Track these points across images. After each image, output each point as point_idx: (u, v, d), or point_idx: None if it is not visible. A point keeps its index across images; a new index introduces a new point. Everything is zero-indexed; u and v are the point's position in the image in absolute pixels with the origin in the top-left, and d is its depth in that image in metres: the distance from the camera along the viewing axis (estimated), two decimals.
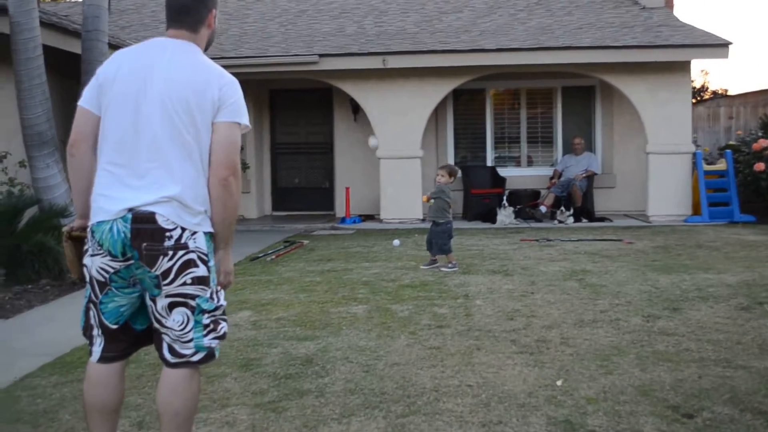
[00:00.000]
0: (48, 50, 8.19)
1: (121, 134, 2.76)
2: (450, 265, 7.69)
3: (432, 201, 7.94)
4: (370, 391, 4.04)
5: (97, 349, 2.90)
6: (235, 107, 2.83)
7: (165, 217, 2.70)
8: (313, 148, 14.64)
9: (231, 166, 2.79)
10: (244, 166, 13.82)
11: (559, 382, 4.12)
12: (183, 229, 2.73)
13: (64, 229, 3.07)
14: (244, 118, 2.85)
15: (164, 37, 2.95)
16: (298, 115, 14.60)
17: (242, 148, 13.66)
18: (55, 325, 5.78)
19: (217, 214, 2.82)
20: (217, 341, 2.88)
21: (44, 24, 8.26)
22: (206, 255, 2.80)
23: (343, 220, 12.98)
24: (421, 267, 7.86)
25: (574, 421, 3.57)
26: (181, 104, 2.75)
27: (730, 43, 11.92)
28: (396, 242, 9.90)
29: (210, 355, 2.89)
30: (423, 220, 12.54)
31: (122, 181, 2.74)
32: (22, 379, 4.44)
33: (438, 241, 7.84)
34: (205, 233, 2.79)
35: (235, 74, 11.22)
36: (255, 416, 3.72)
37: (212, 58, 10.55)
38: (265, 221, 13.52)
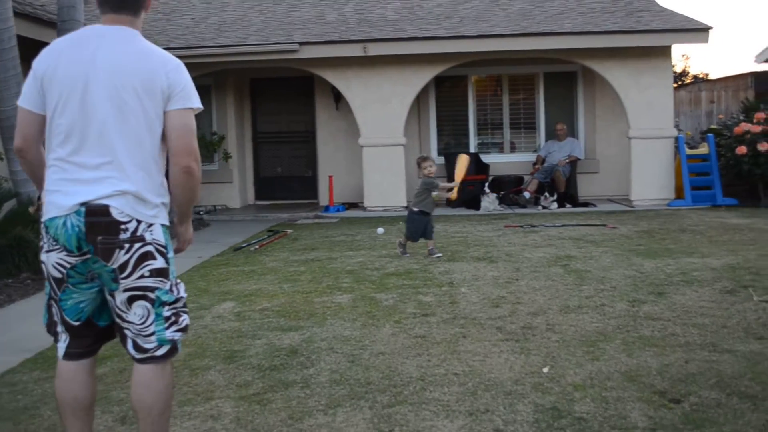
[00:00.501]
0: (23, 41, 8.06)
1: (68, 129, 2.68)
2: (401, 250, 7.88)
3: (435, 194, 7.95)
4: (355, 382, 4.00)
5: (62, 345, 2.85)
6: (185, 92, 2.78)
7: (119, 209, 2.65)
8: (295, 136, 14.56)
9: (191, 153, 2.75)
10: (226, 156, 13.73)
11: (545, 369, 4.10)
12: (138, 222, 2.69)
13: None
14: (196, 101, 2.83)
15: (101, 24, 2.82)
16: (279, 104, 14.51)
17: (223, 137, 13.69)
18: (36, 320, 5.61)
19: (181, 198, 2.81)
20: (179, 334, 2.83)
21: (18, 14, 8.14)
22: (164, 247, 2.77)
23: (326, 208, 12.93)
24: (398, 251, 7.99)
25: (561, 408, 3.55)
26: (130, 95, 2.68)
27: (711, 28, 11.93)
28: (380, 230, 9.86)
29: (173, 348, 2.84)
30: (406, 207, 12.49)
31: (73, 176, 2.67)
32: (3, 375, 4.38)
33: (412, 227, 7.90)
34: (162, 225, 2.77)
35: (215, 63, 11.16)
36: (239, 409, 3.68)
37: (192, 47, 10.46)
38: (247, 211, 13.44)
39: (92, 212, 2.64)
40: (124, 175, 2.66)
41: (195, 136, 2.80)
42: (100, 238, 2.64)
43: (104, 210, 2.64)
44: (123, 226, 2.66)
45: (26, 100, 2.76)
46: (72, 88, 2.67)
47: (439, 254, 7.72)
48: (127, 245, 2.66)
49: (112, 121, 2.67)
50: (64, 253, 2.68)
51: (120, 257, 2.66)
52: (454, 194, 8.36)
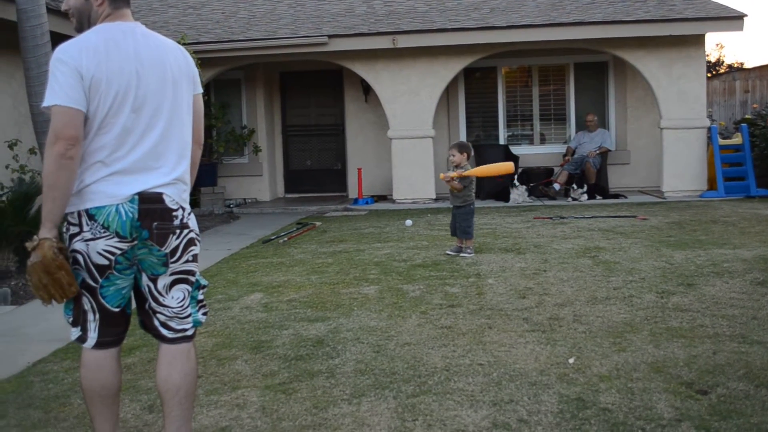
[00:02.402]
0: (56, 37, 8.17)
1: (124, 128, 2.72)
2: (468, 251, 7.38)
3: (457, 182, 7.38)
4: (380, 372, 4.02)
5: (93, 335, 2.88)
6: (198, 77, 3.04)
7: (171, 197, 2.79)
8: (325, 129, 14.59)
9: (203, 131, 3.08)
10: (256, 149, 13.81)
11: (571, 360, 4.09)
12: (183, 209, 2.85)
13: (48, 243, 2.65)
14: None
15: (124, 21, 2.84)
16: (308, 97, 14.55)
17: (253, 131, 13.78)
18: None
19: (192, 175, 3.02)
20: (205, 317, 3.03)
21: (51, 11, 8.23)
22: (198, 235, 2.95)
23: (355, 201, 12.95)
24: (447, 252, 7.47)
25: (586, 399, 3.53)
26: (178, 86, 2.85)
27: (745, 15, 11.74)
28: (408, 222, 9.86)
29: (195, 330, 3.01)
30: (435, 200, 12.49)
31: (126, 168, 2.72)
32: (35, 364, 4.46)
33: (462, 223, 7.40)
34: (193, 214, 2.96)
35: (244, 57, 11.26)
36: (265, 398, 3.72)
37: (222, 41, 10.61)
38: (277, 204, 13.51)
39: (146, 199, 2.74)
40: (174, 165, 2.82)
41: None
42: (156, 223, 2.75)
43: (158, 197, 2.76)
44: (174, 213, 2.80)
45: (75, 101, 2.63)
46: (127, 87, 2.71)
47: (464, 254, 7.34)
48: (178, 231, 2.81)
49: (166, 115, 2.79)
50: (116, 239, 2.72)
51: (172, 242, 2.80)
52: (454, 185, 7.39)
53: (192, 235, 2.87)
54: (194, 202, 12.58)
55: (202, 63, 10.97)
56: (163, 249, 2.78)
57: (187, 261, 2.86)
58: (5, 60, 9.02)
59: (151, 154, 2.76)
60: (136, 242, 2.75)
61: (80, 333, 2.89)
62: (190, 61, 2.95)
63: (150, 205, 2.74)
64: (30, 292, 6.49)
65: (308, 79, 14.38)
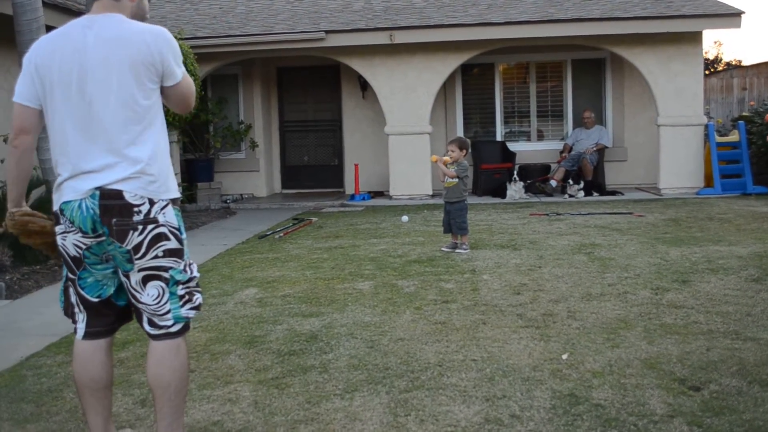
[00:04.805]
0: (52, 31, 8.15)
1: (72, 121, 2.72)
2: (464, 247, 7.36)
3: (451, 166, 7.37)
4: (373, 367, 4.02)
5: (81, 326, 2.93)
6: (176, 63, 2.84)
7: (132, 192, 2.71)
8: (322, 125, 14.57)
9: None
10: (253, 145, 13.79)
11: (564, 356, 4.09)
12: (152, 203, 2.74)
13: (17, 216, 2.99)
14: (182, 68, 2.90)
15: (90, 14, 2.83)
16: (306, 92, 14.53)
17: (250, 126, 13.76)
18: None
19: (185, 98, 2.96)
20: (193, 312, 2.92)
21: (47, 4, 8.22)
22: (177, 229, 2.85)
23: (352, 197, 12.95)
24: (442, 249, 7.46)
25: (578, 395, 3.53)
26: (123, 75, 2.71)
27: (743, 13, 11.73)
28: (404, 218, 9.86)
29: (186, 326, 2.93)
30: (432, 195, 12.49)
31: (85, 163, 2.71)
32: (28, 358, 4.46)
33: (457, 219, 7.37)
34: (174, 207, 2.83)
35: (241, 52, 11.18)
36: (258, 393, 3.71)
37: (219, 36, 10.57)
38: (274, 199, 13.50)
39: (106, 195, 2.70)
40: (133, 158, 2.72)
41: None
42: (114, 220, 2.70)
43: (118, 194, 2.70)
44: (136, 209, 2.72)
45: (23, 97, 2.81)
46: (68, 80, 2.71)
47: (459, 250, 7.32)
48: (140, 227, 2.73)
49: (114, 108, 2.70)
50: (80, 234, 2.75)
51: (134, 239, 2.73)
52: (447, 171, 7.40)
53: (161, 230, 2.76)
54: (191, 197, 12.57)
55: (199, 58, 10.93)
56: (124, 245, 2.73)
57: (156, 257, 2.77)
58: (1, 54, 9.00)
59: (104, 148, 2.70)
60: (103, 238, 2.74)
61: (73, 325, 2.96)
62: (153, 52, 2.74)
63: (109, 201, 2.70)
64: (25, 286, 6.49)
65: (305, 75, 14.36)
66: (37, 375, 4.14)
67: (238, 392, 3.73)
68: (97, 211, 2.70)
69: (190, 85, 2.94)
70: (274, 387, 3.78)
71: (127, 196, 2.70)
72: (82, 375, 2.92)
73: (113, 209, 2.70)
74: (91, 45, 2.72)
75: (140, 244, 2.74)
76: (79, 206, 2.71)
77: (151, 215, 2.75)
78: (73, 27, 2.80)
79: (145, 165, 2.73)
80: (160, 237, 2.77)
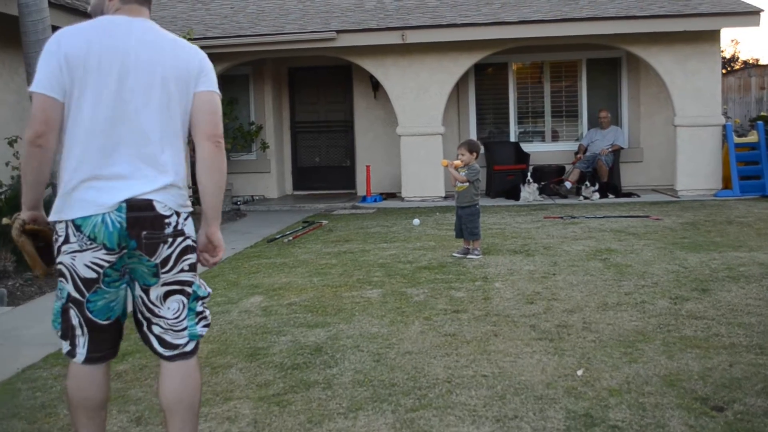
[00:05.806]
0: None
1: (104, 122, 2.54)
2: (476, 252, 7.18)
3: (462, 169, 7.25)
4: (379, 383, 3.85)
5: (82, 351, 2.71)
6: (212, 76, 2.81)
7: (163, 203, 2.58)
8: (333, 126, 14.42)
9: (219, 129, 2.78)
10: (264, 146, 13.65)
11: (579, 372, 3.90)
12: (178, 215, 2.63)
13: (17, 223, 2.75)
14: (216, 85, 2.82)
15: (125, 15, 2.68)
16: (317, 93, 14.37)
17: (261, 127, 13.61)
18: None
19: (209, 174, 2.71)
20: (206, 330, 2.81)
21: (53, 5, 8.10)
22: (195, 241, 2.74)
23: (363, 198, 12.79)
24: (454, 254, 7.27)
25: (594, 415, 3.35)
26: (167, 84, 2.62)
27: (762, 11, 11.49)
28: (416, 221, 9.69)
29: (198, 344, 2.81)
30: (445, 197, 12.31)
31: (110, 172, 2.54)
32: (24, 370, 4.32)
33: (469, 224, 7.18)
34: (192, 219, 2.72)
35: (252, 52, 11.08)
36: (258, 411, 3.55)
37: (229, 36, 10.45)
38: (285, 201, 13.37)
39: (135, 207, 2.54)
40: (167, 169, 2.61)
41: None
42: (145, 233, 2.55)
43: (148, 204, 2.55)
44: (167, 221, 2.59)
45: (48, 87, 2.52)
46: (106, 76, 2.55)
47: (471, 256, 7.14)
48: (170, 240, 2.60)
49: (151, 113, 2.59)
50: (103, 251, 2.55)
51: (163, 252, 2.60)
52: (458, 176, 7.31)
53: (188, 242, 2.67)
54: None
55: (210, 58, 10.78)
56: (153, 259, 2.58)
57: (181, 271, 2.65)
58: (8, 55, 8.90)
59: (135, 155, 2.55)
60: (125, 251, 2.57)
61: (69, 348, 2.72)
62: (193, 60, 2.73)
63: (139, 213, 2.53)
64: (27, 293, 6.37)
65: (317, 75, 14.21)
66: (31, 389, 4.00)
67: (238, 410, 3.58)
68: (124, 225, 2.53)
69: (219, 103, 2.82)
70: (275, 404, 3.62)
71: (158, 207, 2.57)
72: (76, 394, 2.74)
73: (144, 221, 2.54)
74: (135, 47, 2.59)
75: (168, 257, 2.61)
76: (103, 221, 2.51)
77: (179, 227, 2.63)
78: (111, 23, 2.64)
79: (174, 175, 2.62)
80: (187, 250, 2.68)
